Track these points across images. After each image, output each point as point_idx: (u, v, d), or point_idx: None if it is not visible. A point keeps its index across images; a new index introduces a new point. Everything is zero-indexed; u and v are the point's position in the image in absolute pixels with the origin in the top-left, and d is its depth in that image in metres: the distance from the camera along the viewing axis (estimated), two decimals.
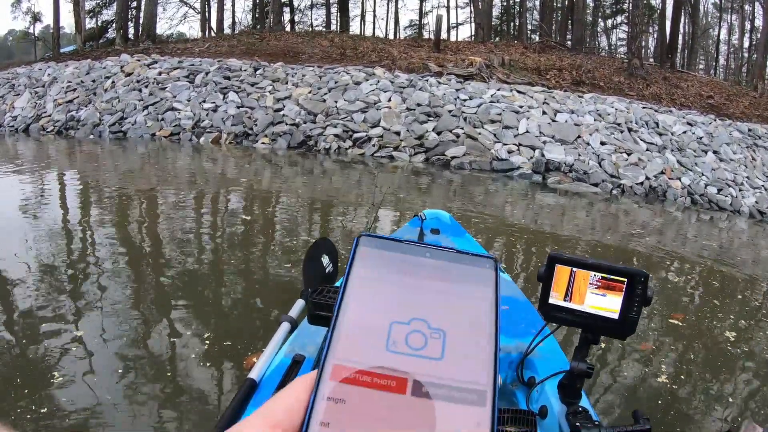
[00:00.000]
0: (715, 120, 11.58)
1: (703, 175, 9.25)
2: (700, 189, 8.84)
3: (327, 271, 1.56)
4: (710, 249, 6.14)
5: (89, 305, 2.97)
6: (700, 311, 3.86)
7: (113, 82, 11.77)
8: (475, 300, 0.33)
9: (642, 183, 8.78)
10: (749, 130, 11.33)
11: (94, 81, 11.92)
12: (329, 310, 1.27)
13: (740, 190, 9.07)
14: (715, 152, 10.06)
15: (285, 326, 1.43)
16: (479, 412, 0.29)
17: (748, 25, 24.32)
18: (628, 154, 9.38)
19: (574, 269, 0.96)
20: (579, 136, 9.71)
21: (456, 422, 0.28)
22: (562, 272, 0.97)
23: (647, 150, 9.71)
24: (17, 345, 2.49)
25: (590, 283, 0.96)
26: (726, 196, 8.76)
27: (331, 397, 0.29)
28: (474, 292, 0.33)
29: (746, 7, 23.70)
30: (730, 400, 2.56)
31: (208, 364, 2.41)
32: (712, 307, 3.95)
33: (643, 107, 11.47)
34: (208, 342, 2.60)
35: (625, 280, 0.94)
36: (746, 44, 24.81)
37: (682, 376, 2.74)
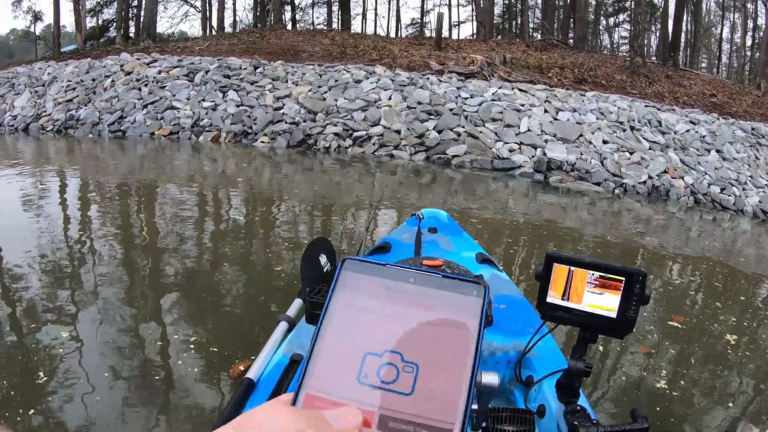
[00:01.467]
0: (718, 119, 11.54)
1: (706, 174, 9.21)
2: (703, 188, 8.80)
3: (324, 270, 1.56)
4: (712, 250, 6.11)
5: (84, 305, 2.97)
6: (702, 314, 3.84)
7: (113, 81, 11.77)
8: (455, 331, 0.32)
9: (645, 182, 8.75)
10: (752, 128, 11.29)
11: (93, 80, 11.93)
12: None
13: (743, 189, 9.02)
14: (718, 151, 10.02)
15: (282, 326, 1.42)
16: None
17: (750, 24, 24.26)
18: (631, 153, 9.35)
19: (572, 268, 0.95)
20: (581, 135, 9.68)
21: None
22: (559, 271, 0.96)
23: (650, 149, 9.68)
24: (8, 346, 2.49)
25: (588, 282, 0.95)
26: (729, 196, 8.72)
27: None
28: (456, 323, 0.32)
29: (749, 5, 23.64)
30: (728, 401, 2.55)
31: (199, 367, 2.40)
32: (713, 310, 3.92)
33: (646, 106, 11.43)
34: (201, 344, 2.60)
35: (623, 279, 0.93)
36: (749, 43, 24.77)
37: (681, 378, 2.73)
